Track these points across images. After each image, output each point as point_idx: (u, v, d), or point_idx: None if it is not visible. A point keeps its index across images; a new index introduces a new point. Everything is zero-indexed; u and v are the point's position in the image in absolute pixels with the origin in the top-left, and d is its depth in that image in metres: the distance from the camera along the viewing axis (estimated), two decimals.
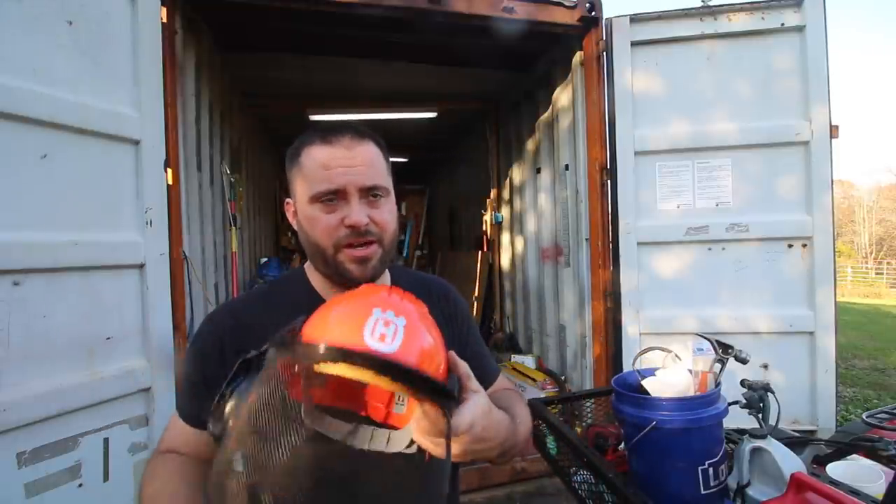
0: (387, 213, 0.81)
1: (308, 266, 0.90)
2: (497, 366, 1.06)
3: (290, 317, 0.76)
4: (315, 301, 0.83)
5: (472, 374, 0.68)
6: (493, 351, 4.60)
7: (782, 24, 2.65)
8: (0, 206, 1.57)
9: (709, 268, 2.73)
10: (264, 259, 5.10)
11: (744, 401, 1.04)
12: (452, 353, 0.67)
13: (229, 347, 0.79)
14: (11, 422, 1.55)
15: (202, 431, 0.80)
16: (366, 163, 0.79)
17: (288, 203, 0.86)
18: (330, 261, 0.80)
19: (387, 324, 0.58)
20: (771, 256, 2.69)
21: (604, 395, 1.38)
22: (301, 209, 0.81)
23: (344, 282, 0.81)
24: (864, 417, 1.17)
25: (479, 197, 5.84)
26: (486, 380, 0.97)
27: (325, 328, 0.59)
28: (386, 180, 0.82)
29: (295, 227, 0.85)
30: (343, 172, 0.77)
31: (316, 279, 0.88)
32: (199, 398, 0.79)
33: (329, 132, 0.80)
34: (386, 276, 0.93)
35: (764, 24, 2.66)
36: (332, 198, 0.77)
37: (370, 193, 0.79)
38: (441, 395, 0.59)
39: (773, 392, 1.04)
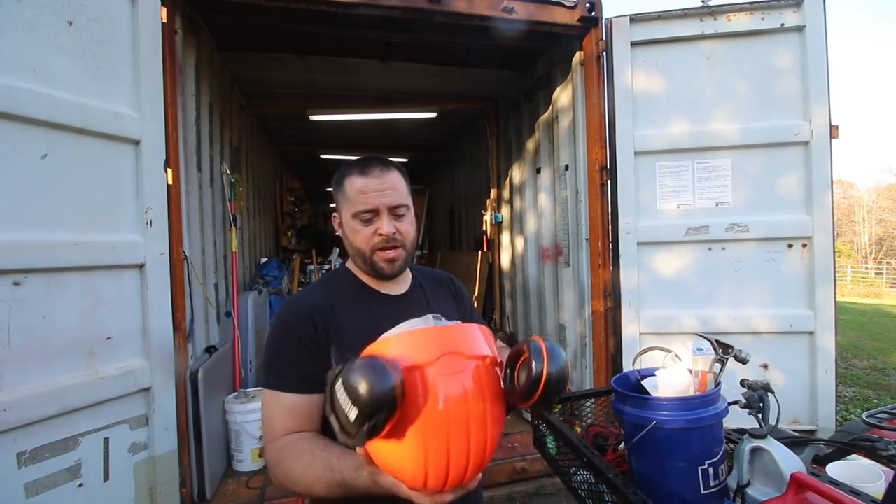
0: (408, 224, 1.06)
1: (349, 263, 1.14)
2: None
3: (346, 298, 1.08)
4: (361, 286, 1.11)
5: None
6: None
7: (782, 25, 2.65)
8: (0, 206, 1.57)
9: (709, 268, 2.73)
10: (264, 259, 5.09)
11: (744, 401, 1.04)
12: None
13: (318, 318, 1.01)
14: (11, 422, 1.55)
15: (312, 395, 0.95)
16: (392, 187, 1.04)
17: (335, 216, 1.12)
18: (368, 261, 1.05)
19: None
20: (771, 256, 2.69)
21: (604, 395, 1.37)
22: (346, 222, 1.07)
23: (378, 276, 1.08)
24: (863, 417, 1.17)
25: (479, 197, 5.84)
26: None
27: None
28: (407, 199, 1.07)
29: (340, 235, 1.10)
30: (376, 196, 1.01)
31: (357, 272, 1.13)
32: (306, 361, 0.97)
33: (364, 165, 1.05)
34: (407, 271, 1.16)
35: (764, 25, 2.66)
36: (369, 215, 1.02)
37: (396, 210, 1.04)
38: None
39: (773, 392, 1.04)
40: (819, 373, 2.61)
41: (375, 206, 1.02)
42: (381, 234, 1.02)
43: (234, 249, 3.43)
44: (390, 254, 1.03)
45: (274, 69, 4.15)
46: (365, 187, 1.02)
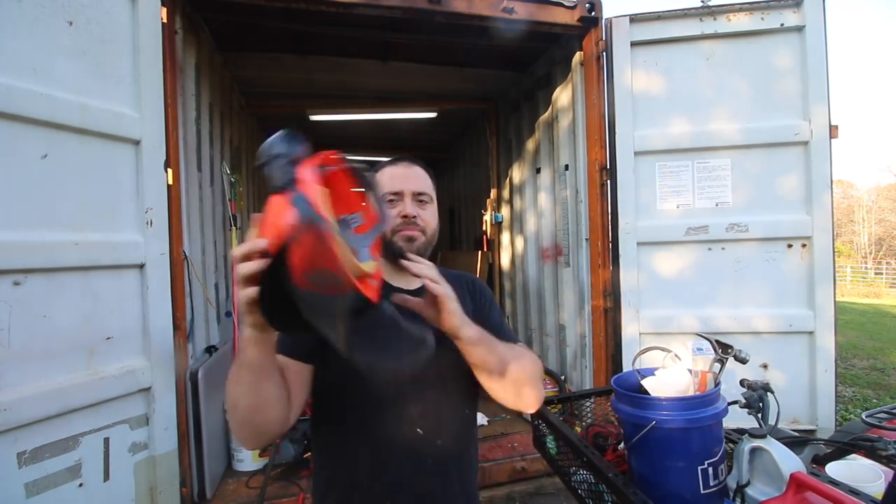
0: (429, 213, 1.13)
1: None
2: (516, 337, 1.24)
3: None
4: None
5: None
6: None
7: (782, 25, 2.65)
8: (0, 206, 1.57)
9: (708, 268, 2.73)
10: None
11: (743, 401, 1.04)
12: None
13: None
14: (11, 422, 1.55)
15: (281, 356, 1.00)
16: (417, 176, 1.14)
17: None
18: (388, 241, 1.08)
19: None
20: (771, 256, 2.69)
21: (604, 395, 1.38)
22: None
23: (397, 257, 1.07)
24: (863, 417, 1.17)
25: (479, 197, 5.84)
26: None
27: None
28: (430, 191, 1.16)
29: None
30: (401, 181, 1.11)
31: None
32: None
33: (394, 159, 1.17)
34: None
35: (763, 25, 2.66)
36: (394, 198, 1.10)
37: (418, 197, 1.12)
38: None
39: (772, 392, 1.04)
40: (819, 373, 2.61)
41: (400, 190, 1.10)
42: (403, 216, 1.08)
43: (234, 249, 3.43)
44: (408, 231, 1.08)
45: (274, 69, 4.14)
46: (392, 174, 1.13)
